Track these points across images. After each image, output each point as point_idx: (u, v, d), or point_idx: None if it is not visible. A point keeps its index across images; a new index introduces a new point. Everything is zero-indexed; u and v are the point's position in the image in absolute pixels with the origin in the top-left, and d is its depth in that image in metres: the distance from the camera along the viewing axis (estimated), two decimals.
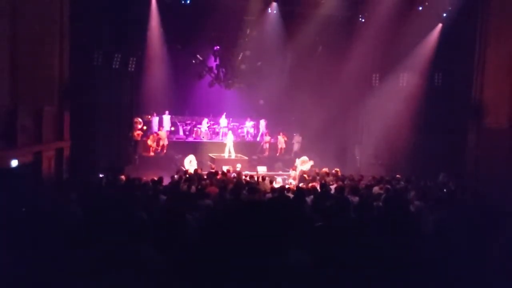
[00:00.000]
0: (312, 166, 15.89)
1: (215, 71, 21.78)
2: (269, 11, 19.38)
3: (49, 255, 3.54)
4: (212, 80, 21.87)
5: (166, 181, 11.44)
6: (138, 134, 19.89)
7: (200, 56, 21.55)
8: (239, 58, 20.94)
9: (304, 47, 19.87)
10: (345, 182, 11.63)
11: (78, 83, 14.51)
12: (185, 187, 10.32)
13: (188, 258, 3.21)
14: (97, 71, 15.83)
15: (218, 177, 12.31)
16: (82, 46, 14.82)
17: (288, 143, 21.62)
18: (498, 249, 4.76)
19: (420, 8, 17.71)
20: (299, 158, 17.02)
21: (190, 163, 16.28)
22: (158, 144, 20.08)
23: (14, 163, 10.90)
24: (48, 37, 13.26)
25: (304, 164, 15.87)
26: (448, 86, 17.46)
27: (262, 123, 22.98)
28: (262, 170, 17.61)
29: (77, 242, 4.10)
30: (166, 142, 20.11)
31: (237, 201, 8.58)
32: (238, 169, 15.46)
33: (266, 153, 21.44)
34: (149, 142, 20.01)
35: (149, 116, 21.65)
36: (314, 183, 11.69)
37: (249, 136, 23.25)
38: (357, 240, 4.76)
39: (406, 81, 18.15)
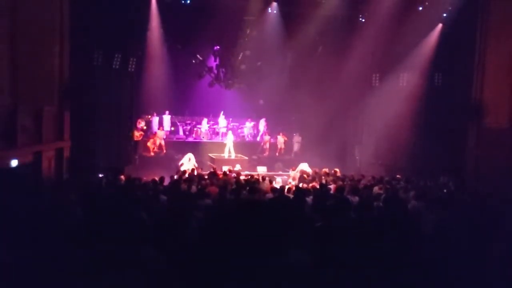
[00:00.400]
0: (311, 167, 15.89)
1: (215, 71, 21.75)
2: (269, 11, 19.38)
3: (49, 255, 3.54)
4: (212, 80, 21.85)
5: (167, 181, 11.43)
6: (140, 135, 19.87)
7: (200, 56, 21.54)
8: (239, 58, 20.93)
9: (304, 47, 19.86)
10: (345, 182, 11.62)
11: (78, 83, 14.52)
12: (185, 187, 10.31)
13: (188, 258, 3.22)
14: (97, 71, 15.83)
15: (219, 177, 12.31)
16: (82, 46, 14.82)
17: (288, 143, 21.61)
18: (498, 249, 4.77)
19: (420, 8, 17.70)
20: (298, 158, 17.03)
21: (189, 161, 16.26)
22: (155, 144, 20.05)
23: (14, 163, 10.90)
24: (48, 37, 13.26)
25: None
26: (448, 86, 17.44)
27: (262, 122, 22.98)
28: (262, 170, 17.60)
29: (77, 242, 4.10)
30: (162, 142, 20.01)
31: (237, 201, 8.58)
32: (236, 169, 15.45)
33: (266, 153, 21.43)
34: (149, 144, 19.97)
35: (149, 116, 21.66)
36: (314, 183, 11.68)
37: (249, 136, 23.24)
38: (357, 240, 4.76)
39: (406, 81, 18.14)
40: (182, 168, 15.41)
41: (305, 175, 13.83)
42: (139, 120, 20.09)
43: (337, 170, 14.01)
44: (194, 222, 6.39)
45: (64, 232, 4.66)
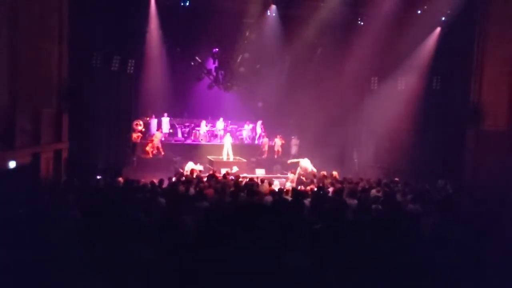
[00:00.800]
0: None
1: (214, 74, 21.79)
2: (268, 13, 19.42)
3: (48, 256, 3.55)
4: (211, 82, 21.87)
5: (166, 183, 11.43)
6: (138, 136, 19.84)
7: (199, 58, 21.55)
8: (238, 60, 20.96)
9: (303, 50, 19.89)
10: (344, 185, 11.65)
11: (77, 85, 14.53)
12: (183, 189, 10.32)
13: (187, 259, 3.23)
14: (96, 73, 15.85)
15: (219, 179, 12.33)
16: (81, 48, 14.84)
17: (285, 146, 21.62)
18: (496, 251, 4.78)
19: (419, 12, 17.76)
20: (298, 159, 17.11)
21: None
22: (154, 147, 20.02)
23: (12, 164, 10.90)
24: (47, 39, 13.27)
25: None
26: (447, 89, 17.50)
27: (259, 124, 23.00)
28: (260, 172, 17.63)
29: (76, 243, 4.11)
30: (159, 145, 19.94)
31: (235, 203, 8.60)
32: (233, 171, 15.47)
33: (265, 156, 21.45)
34: (148, 148, 19.94)
35: (148, 118, 21.66)
36: (312, 186, 11.70)
37: (248, 138, 23.26)
38: (356, 242, 4.78)
39: (405, 84, 18.18)
40: (186, 167, 15.50)
41: (303, 178, 13.85)
42: (137, 122, 20.06)
43: (335, 173, 14.02)
44: (192, 224, 6.41)
45: (63, 233, 4.67)
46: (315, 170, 15.62)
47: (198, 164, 16.76)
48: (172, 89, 21.38)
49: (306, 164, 15.77)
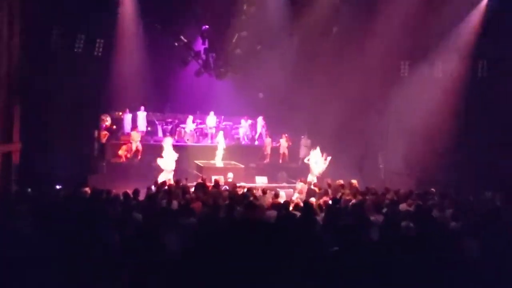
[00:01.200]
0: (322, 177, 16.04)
1: (204, 57, 21.77)
2: None
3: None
4: (200, 68, 21.87)
5: (143, 194, 11.43)
6: (104, 135, 19.75)
7: (185, 37, 21.52)
8: (234, 40, 20.96)
9: (315, 28, 19.90)
10: (366, 197, 11.64)
11: (31, 72, 14.52)
12: (164, 202, 10.31)
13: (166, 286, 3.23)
14: (54, 56, 15.85)
15: (209, 189, 12.33)
16: (36, 26, 14.82)
17: (293, 149, 21.62)
18: None
19: None
20: (307, 166, 17.17)
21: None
22: (130, 150, 19.99)
23: None
24: None
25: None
26: (496, 77, 17.47)
27: (260, 121, 22.99)
28: (261, 181, 17.61)
29: (27, 264, 4.10)
30: (140, 147, 19.99)
31: (230, 220, 8.59)
32: (229, 179, 15.47)
33: (267, 160, 21.46)
34: (121, 152, 19.90)
35: (120, 113, 21.65)
36: (326, 198, 11.68)
37: (246, 138, 23.28)
38: (382, 269, 4.76)
39: (443, 71, 18.18)
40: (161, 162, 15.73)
41: (315, 188, 13.84)
42: (103, 117, 19.88)
43: (355, 181, 14.02)
44: (175, 246, 6.40)
45: (14, 251, 4.66)
46: (325, 162, 16.54)
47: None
48: (151, 76, 21.37)
49: (315, 153, 16.11)
